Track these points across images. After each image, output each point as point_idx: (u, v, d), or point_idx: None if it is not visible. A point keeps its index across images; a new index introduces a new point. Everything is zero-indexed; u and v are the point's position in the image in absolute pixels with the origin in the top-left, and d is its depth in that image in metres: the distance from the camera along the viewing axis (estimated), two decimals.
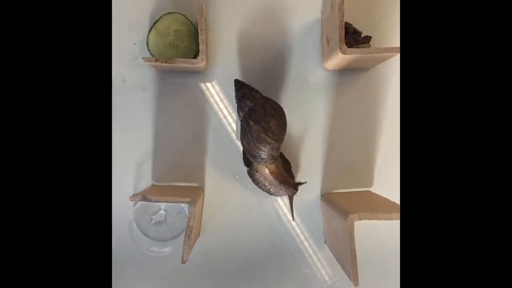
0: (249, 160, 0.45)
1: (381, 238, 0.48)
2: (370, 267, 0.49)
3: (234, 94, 0.44)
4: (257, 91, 0.43)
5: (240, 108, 0.43)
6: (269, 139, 0.41)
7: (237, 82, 0.44)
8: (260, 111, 0.41)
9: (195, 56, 0.46)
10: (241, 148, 0.48)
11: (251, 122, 0.41)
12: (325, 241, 0.48)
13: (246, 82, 0.47)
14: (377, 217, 0.37)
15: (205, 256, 0.48)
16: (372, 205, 0.41)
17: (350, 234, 0.36)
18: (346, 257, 0.37)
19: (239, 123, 0.48)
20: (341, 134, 0.48)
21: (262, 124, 0.41)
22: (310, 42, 0.48)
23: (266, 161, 0.43)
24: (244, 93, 0.43)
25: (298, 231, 0.49)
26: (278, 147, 0.43)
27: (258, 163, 0.43)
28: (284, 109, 0.45)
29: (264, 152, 0.41)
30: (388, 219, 0.37)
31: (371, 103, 0.48)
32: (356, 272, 0.36)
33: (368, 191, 0.47)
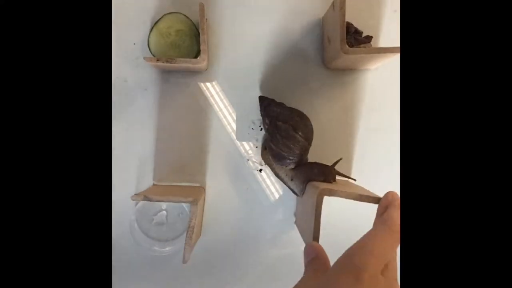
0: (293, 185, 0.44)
1: None
2: None
3: (259, 109, 0.45)
4: (282, 103, 0.44)
5: (266, 115, 0.43)
6: (298, 136, 0.41)
7: (263, 98, 0.45)
8: (287, 113, 0.42)
9: (196, 56, 0.46)
10: (242, 148, 0.48)
11: (279, 123, 0.41)
12: (295, 222, 0.48)
13: (247, 82, 0.48)
14: (347, 194, 0.36)
15: (206, 256, 0.48)
16: (348, 187, 0.41)
17: (318, 207, 0.35)
18: (310, 232, 0.36)
19: (240, 123, 0.48)
20: (341, 134, 0.48)
21: (291, 123, 0.41)
22: (311, 42, 0.48)
23: (295, 162, 0.42)
24: (270, 103, 0.44)
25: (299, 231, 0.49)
26: (307, 149, 0.42)
27: (286, 166, 0.43)
28: None
29: (293, 153, 0.41)
30: (358, 200, 0.36)
31: (372, 103, 0.48)
32: (317, 232, 0.36)
33: (347, 180, 0.47)
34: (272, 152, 0.43)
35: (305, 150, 0.42)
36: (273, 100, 0.44)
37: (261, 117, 0.46)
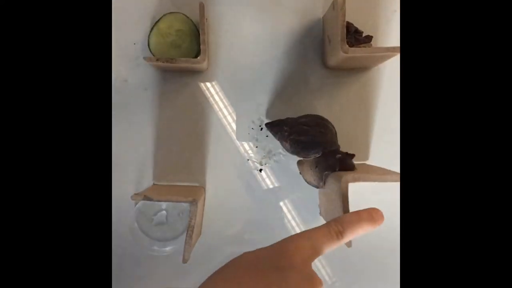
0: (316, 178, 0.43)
1: (381, 238, 0.48)
2: (370, 267, 0.49)
3: (271, 132, 0.46)
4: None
5: (283, 125, 0.43)
6: (328, 123, 0.42)
7: (270, 122, 0.46)
8: (306, 115, 0.43)
9: (196, 56, 0.46)
10: (241, 148, 0.48)
11: (303, 120, 0.42)
12: (320, 213, 0.48)
13: (247, 82, 0.48)
14: (371, 178, 0.36)
15: (206, 256, 0.48)
16: (367, 170, 0.41)
17: (344, 195, 0.35)
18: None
19: (240, 123, 0.48)
20: (341, 134, 0.48)
21: (316, 115, 0.42)
22: (311, 42, 0.48)
23: (331, 147, 0.41)
24: (280, 120, 0.45)
25: (298, 230, 0.49)
26: (336, 140, 0.42)
27: (319, 155, 0.41)
28: (284, 108, 0.46)
29: (326, 137, 0.41)
30: (382, 181, 0.37)
31: (371, 103, 0.48)
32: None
33: (364, 163, 0.47)
34: (305, 145, 0.41)
35: (335, 138, 0.42)
36: (280, 119, 0.45)
37: (270, 132, 0.46)
